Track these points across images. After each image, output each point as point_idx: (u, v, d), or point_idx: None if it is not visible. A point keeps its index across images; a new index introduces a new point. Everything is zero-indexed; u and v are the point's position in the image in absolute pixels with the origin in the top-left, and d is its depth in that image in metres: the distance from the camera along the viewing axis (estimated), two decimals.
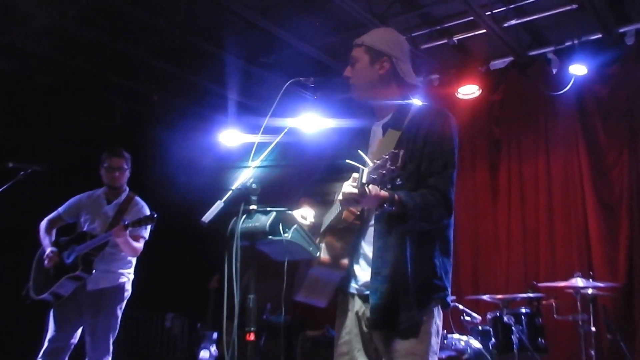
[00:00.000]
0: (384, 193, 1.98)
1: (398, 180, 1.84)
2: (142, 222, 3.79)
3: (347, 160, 2.03)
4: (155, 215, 3.87)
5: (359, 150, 2.00)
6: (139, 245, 4.00)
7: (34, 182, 4.01)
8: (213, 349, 6.22)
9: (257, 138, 2.20)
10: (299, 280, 2.33)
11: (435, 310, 2.20)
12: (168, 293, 7.25)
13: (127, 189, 4.23)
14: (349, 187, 1.96)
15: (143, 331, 7.43)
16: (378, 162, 1.85)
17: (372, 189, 1.92)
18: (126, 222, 3.81)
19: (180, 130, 6.73)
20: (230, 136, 6.54)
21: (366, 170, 1.90)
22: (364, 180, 1.89)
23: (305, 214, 2.30)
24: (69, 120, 5.65)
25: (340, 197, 2.00)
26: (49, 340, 3.85)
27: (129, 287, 4.10)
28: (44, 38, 5.21)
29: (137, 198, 4.18)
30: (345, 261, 2.22)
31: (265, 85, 6.10)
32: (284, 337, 5.67)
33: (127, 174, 4.22)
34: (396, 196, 2.01)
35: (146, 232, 4.06)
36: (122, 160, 4.16)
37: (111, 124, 6.39)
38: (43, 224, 4.16)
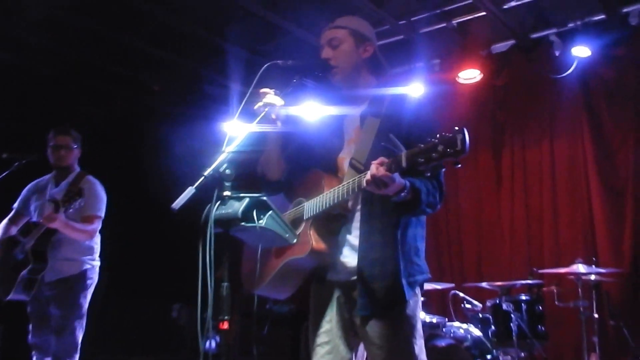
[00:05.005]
0: (403, 181, 1.92)
1: (459, 164, 1.74)
2: (70, 198, 3.39)
3: (382, 143, 1.92)
4: (82, 188, 3.50)
5: (390, 134, 1.90)
6: (91, 226, 3.66)
7: (30, 173, 3.98)
8: None
9: (236, 124, 2.16)
10: (257, 272, 2.22)
11: (419, 292, 2.20)
12: (174, 283, 7.27)
13: (78, 168, 3.89)
14: (380, 169, 1.85)
15: (149, 322, 7.46)
16: (422, 145, 1.77)
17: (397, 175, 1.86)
18: (54, 198, 3.47)
19: (182, 121, 6.70)
20: (233, 125, 6.50)
21: (404, 154, 1.82)
22: (404, 165, 1.81)
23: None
24: (68, 111, 5.64)
25: (368, 177, 1.88)
26: (31, 339, 3.67)
27: (93, 275, 3.76)
28: (41, 28, 5.19)
29: (90, 176, 3.84)
30: (324, 249, 2.16)
31: (267, 74, 6.02)
32: (255, 327, 5.70)
33: (77, 153, 3.89)
34: (409, 183, 1.96)
35: (99, 210, 3.73)
36: (69, 138, 3.84)
37: (111, 114, 6.38)
38: (1, 225, 3.89)
